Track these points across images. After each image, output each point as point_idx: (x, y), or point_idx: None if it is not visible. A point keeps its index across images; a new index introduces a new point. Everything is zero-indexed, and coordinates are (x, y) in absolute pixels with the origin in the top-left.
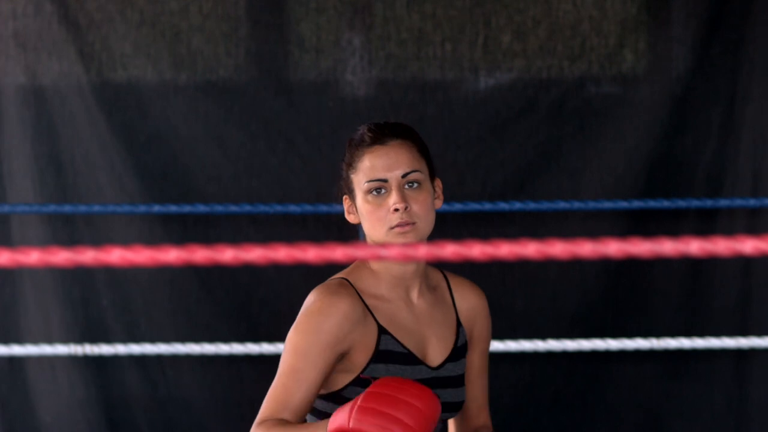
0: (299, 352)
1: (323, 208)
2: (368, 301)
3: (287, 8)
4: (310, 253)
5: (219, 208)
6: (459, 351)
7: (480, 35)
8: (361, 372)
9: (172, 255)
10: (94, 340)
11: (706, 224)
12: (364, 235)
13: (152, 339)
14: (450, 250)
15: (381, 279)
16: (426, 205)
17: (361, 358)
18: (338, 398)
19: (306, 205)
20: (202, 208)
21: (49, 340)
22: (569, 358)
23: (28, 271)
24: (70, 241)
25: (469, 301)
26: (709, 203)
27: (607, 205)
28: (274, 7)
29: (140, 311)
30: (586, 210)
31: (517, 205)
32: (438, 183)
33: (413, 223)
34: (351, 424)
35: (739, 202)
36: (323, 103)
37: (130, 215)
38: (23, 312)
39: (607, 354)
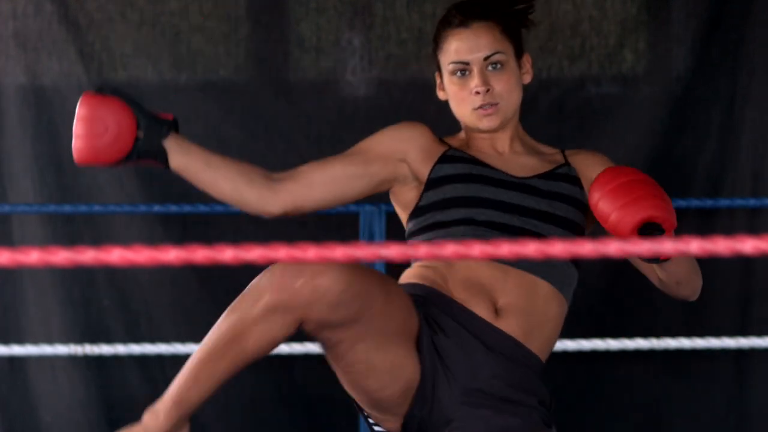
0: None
1: None
2: (447, 140)
3: (287, 8)
4: (310, 253)
5: (219, 208)
6: (556, 175)
7: None
8: (429, 174)
9: (172, 255)
10: (94, 340)
11: (706, 224)
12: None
13: (152, 339)
14: (450, 249)
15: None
16: (509, 85)
17: (423, 166)
18: (420, 211)
19: None
20: (202, 208)
21: (49, 340)
22: (569, 358)
23: (28, 271)
24: (70, 241)
25: (584, 154)
26: (709, 203)
27: None
28: (274, 7)
29: (140, 311)
30: None
31: None
32: (526, 58)
33: (495, 104)
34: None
35: (739, 202)
36: (323, 103)
37: (130, 215)
38: (23, 312)
39: (607, 354)
